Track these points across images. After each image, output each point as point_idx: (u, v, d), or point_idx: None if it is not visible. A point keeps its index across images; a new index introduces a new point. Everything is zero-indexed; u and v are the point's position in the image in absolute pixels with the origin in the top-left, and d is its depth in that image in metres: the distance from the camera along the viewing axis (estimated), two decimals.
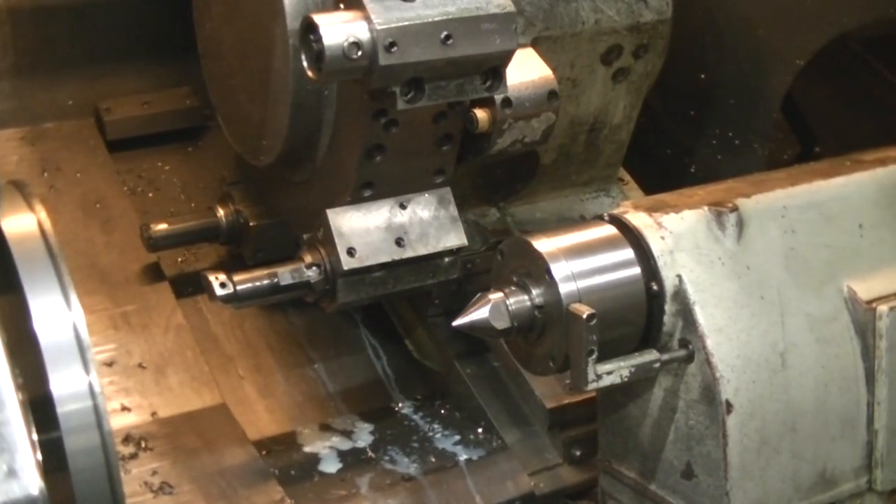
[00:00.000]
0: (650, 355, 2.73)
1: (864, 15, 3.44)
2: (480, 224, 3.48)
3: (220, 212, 3.55)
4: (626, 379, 2.71)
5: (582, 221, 2.95)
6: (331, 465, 3.26)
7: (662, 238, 2.78)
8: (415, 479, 3.22)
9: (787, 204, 2.94)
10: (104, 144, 3.87)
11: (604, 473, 3.06)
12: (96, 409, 2.04)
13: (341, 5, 2.76)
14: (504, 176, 3.49)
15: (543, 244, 2.76)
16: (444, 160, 3.11)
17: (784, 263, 2.87)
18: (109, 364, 3.30)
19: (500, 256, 2.87)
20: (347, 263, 3.04)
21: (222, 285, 3.03)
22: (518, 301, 2.76)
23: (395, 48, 2.68)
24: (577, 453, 3.30)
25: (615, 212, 2.87)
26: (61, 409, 2.05)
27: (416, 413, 3.48)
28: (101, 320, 3.39)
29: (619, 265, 2.77)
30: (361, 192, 3.06)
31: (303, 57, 2.73)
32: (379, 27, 2.66)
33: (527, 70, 3.10)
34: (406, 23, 2.69)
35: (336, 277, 3.06)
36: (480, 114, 3.04)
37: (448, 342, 3.49)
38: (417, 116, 2.94)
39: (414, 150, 3.04)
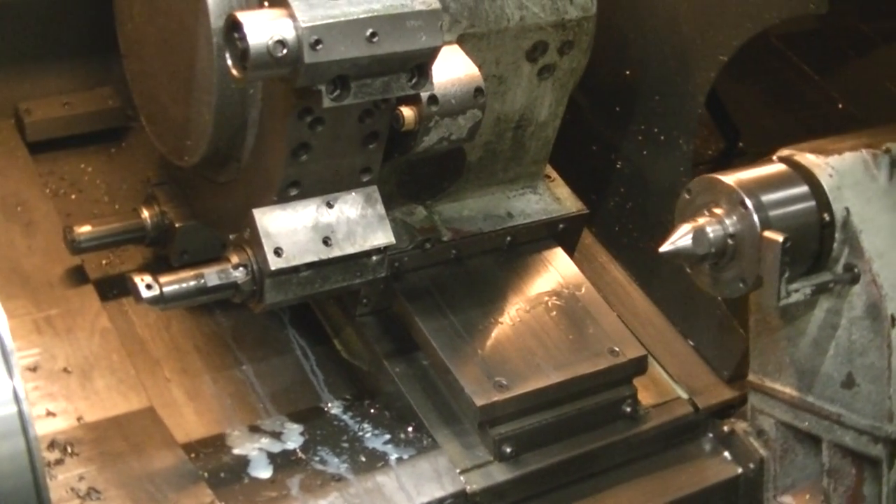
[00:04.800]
0: (826, 276, 3.17)
1: (783, 11, 3.49)
2: (408, 222, 3.48)
3: (145, 213, 3.50)
4: (808, 296, 3.12)
5: (755, 162, 3.29)
6: (261, 467, 3.23)
7: (830, 175, 3.18)
8: (345, 479, 3.20)
9: None
10: (25, 146, 3.81)
11: (754, 392, 3.48)
12: (21, 415, 2.01)
13: (266, 3, 2.74)
14: (431, 174, 3.49)
15: (734, 179, 3.14)
16: (370, 158, 3.10)
17: None
18: (33, 369, 3.24)
19: (687, 195, 3.22)
20: (274, 263, 3.02)
21: (148, 287, 3.00)
22: (715, 230, 3.12)
23: (321, 46, 2.66)
24: (508, 450, 3.30)
25: (783, 154, 3.26)
26: None
27: (345, 413, 3.46)
28: (25, 325, 3.33)
29: (797, 198, 3.17)
30: (288, 191, 3.04)
31: (227, 55, 2.70)
32: (304, 25, 2.65)
33: (453, 67, 3.10)
34: (331, 20, 2.68)
35: (263, 278, 3.04)
36: (406, 111, 3.04)
37: (377, 341, 3.48)
38: (343, 115, 2.93)
39: (340, 149, 3.03)
